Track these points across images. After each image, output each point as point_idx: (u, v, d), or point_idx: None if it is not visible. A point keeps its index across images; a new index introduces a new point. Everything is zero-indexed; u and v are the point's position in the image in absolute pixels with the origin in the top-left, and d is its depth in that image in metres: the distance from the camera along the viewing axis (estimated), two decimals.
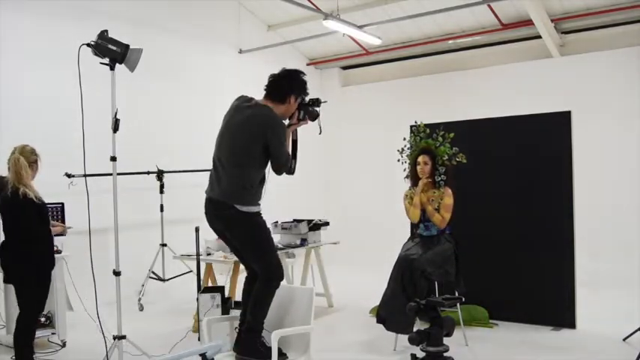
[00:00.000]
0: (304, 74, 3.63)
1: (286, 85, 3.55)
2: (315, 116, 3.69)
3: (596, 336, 4.93)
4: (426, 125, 5.24)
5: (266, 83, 3.59)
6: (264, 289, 3.43)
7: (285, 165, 3.50)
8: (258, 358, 3.30)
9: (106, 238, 4.81)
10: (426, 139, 5.01)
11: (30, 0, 6.25)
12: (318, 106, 3.73)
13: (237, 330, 3.53)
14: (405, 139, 5.16)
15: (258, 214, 3.50)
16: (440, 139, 4.94)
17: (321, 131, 3.93)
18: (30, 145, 4.13)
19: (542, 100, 6.93)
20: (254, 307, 3.42)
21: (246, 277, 3.69)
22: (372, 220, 8.81)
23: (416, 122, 5.26)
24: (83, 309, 5.14)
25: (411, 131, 5.29)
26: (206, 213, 3.56)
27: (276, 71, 3.61)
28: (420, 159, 4.86)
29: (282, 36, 9.22)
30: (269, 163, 3.52)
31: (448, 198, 4.80)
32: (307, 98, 3.68)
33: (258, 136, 3.39)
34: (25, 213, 3.89)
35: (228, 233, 3.57)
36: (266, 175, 3.55)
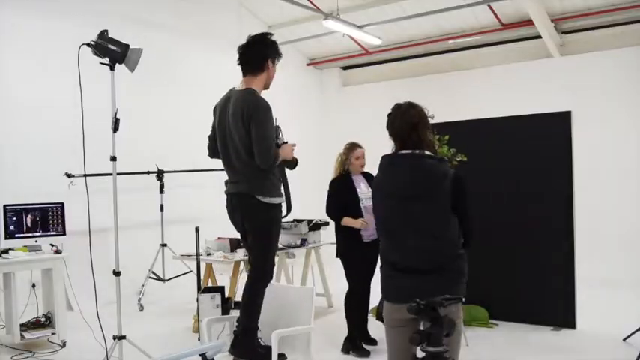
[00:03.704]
0: (271, 34, 3.56)
1: (258, 51, 3.47)
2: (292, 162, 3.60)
3: (596, 336, 4.93)
4: None
5: (238, 59, 3.50)
6: (256, 287, 3.43)
7: (266, 154, 3.31)
8: (256, 358, 3.29)
9: (106, 238, 4.81)
10: None
11: (30, 0, 6.25)
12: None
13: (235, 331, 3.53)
14: None
15: (279, 206, 3.48)
16: (436, 142, 4.94)
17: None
18: None
19: (542, 100, 6.92)
20: (248, 306, 3.41)
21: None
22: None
23: None
24: (79, 313, 5.15)
25: None
26: (227, 206, 3.55)
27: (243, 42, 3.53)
28: None
29: (282, 36, 9.21)
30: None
31: None
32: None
33: (247, 123, 3.34)
34: None
35: (246, 222, 3.52)
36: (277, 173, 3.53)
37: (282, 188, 3.54)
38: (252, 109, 3.34)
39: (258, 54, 3.48)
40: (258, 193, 3.38)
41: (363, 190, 4.89)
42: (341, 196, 4.85)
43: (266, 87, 3.56)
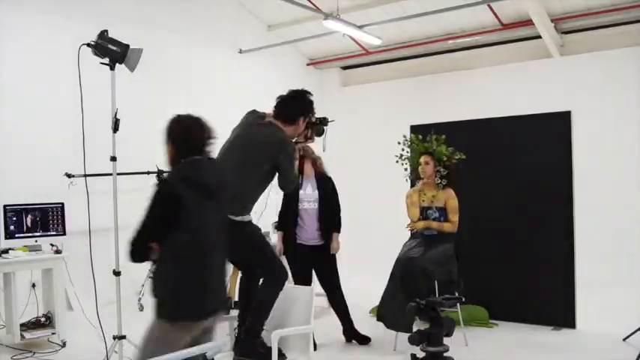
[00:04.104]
0: (311, 94, 3.72)
1: (295, 107, 3.64)
2: (321, 132, 3.78)
3: (596, 336, 4.93)
4: (420, 127, 5.26)
5: (274, 105, 3.66)
6: (270, 292, 3.45)
7: (293, 184, 3.61)
8: (256, 358, 3.30)
9: (106, 238, 4.80)
10: (422, 144, 5.01)
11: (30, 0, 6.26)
12: (326, 124, 3.80)
13: (236, 330, 3.54)
14: (399, 143, 5.14)
15: (250, 222, 3.55)
16: (434, 142, 4.94)
17: (324, 149, 4.01)
18: None
19: (542, 100, 6.92)
20: (258, 309, 3.42)
21: (241, 278, 3.71)
22: (372, 220, 8.80)
23: (404, 136, 5.23)
24: (81, 310, 5.15)
25: (404, 139, 5.23)
26: None
27: (284, 93, 3.72)
28: (422, 159, 4.89)
29: (282, 36, 9.21)
30: (269, 185, 3.58)
31: (453, 200, 4.82)
32: (315, 117, 3.74)
33: (269, 158, 3.47)
34: None
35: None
36: (259, 198, 3.60)
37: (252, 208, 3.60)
38: (285, 146, 3.53)
39: (295, 109, 3.65)
40: (231, 213, 3.41)
41: (307, 192, 4.94)
42: (286, 197, 4.94)
43: (291, 138, 3.68)
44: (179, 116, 2.84)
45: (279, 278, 3.48)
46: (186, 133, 2.75)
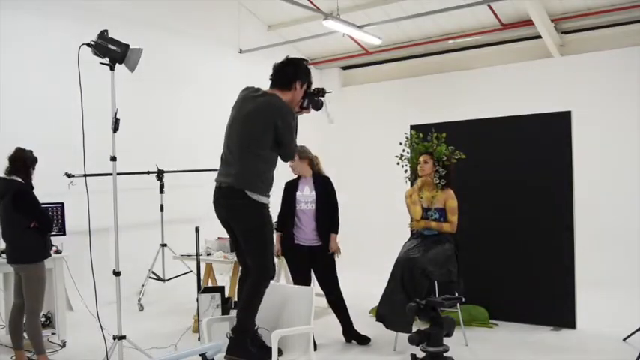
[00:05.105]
0: (307, 61, 3.68)
1: (291, 71, 3.58)
2: (319, 105, 3.71)
3: (596, 336, 4.93)
4: (421, 126, 5.25)
5: (270, 73, 3.61)
6: (257, 287, 3.40)
7: (293, 153, 3.58)
8: (248, 358, 3.27)
9: (106, 238, 4.80)
10: (422, 143, 5.01)
11: (30, 0, 6.26)
12: (323, 95, 3.74)
13: None
14: (401, 143, 5.14)
15: (267, 206, 3.48)
16: (435, 141, 4.94)
17: (330, 120, 3.96)
18: None
19: (542, 100, 6.92)
20: (246, 306, 3.39)
21: (240, 277, 3.68)
22: (372, 220, 8.81)
23: (406, 134, 5.23)
24: (85, 308, 5.15)
25: (406, 138, 5.23)
26: (214, 202, 3.55)
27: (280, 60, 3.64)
28: (421, 158, 4.89)
29: (282, 36, 9.22)
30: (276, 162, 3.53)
31: (452, 201, 4.81)
32: (312, 87, 3.71)
33: (269, 125, 3.39)
34: None
35: (233, 223, 3.53)
36: (275, 163, 3.55)
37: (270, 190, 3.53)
38: (283, 112, 3.43)
39: (290, 73, 3.58)
40: (248, 188, 3.37)
41: (305, 194, 4.93)
42: (284, 198, 4.96)
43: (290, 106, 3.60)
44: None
45: (269, 275, 3.45)
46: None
